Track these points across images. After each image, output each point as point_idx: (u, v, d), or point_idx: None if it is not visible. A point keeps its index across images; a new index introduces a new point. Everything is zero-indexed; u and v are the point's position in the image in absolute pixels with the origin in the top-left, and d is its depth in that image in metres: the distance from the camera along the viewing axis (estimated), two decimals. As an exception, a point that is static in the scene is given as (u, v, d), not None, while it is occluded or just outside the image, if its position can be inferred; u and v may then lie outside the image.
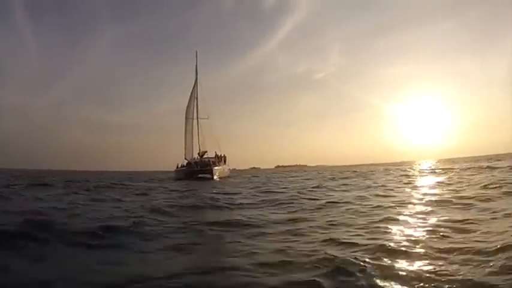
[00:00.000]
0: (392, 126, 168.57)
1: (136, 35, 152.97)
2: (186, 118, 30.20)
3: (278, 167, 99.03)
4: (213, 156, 30.46)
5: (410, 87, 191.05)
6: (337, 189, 13.20)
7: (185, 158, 29.25)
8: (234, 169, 41.15)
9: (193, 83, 32.03)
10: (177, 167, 29.73)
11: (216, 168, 27.91)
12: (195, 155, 30.41)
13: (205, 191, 14.56)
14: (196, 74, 31.67)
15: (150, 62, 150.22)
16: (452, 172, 19.86)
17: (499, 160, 31.56)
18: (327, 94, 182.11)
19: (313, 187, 14.29)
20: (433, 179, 15.90)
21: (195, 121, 30.38)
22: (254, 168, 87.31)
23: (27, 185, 14.97)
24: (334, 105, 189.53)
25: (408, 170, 28.46)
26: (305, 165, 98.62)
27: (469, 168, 22.81)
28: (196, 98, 30.96)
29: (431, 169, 27.13)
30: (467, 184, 11.71)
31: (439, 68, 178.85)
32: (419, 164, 49.79)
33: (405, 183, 14.07)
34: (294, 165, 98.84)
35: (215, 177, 27.00)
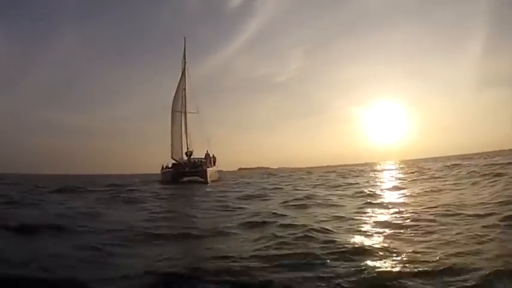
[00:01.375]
0: (355, 128, 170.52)
1: (99, 34, 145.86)
2: (173, 111, 25.84)
3: (241, 169, 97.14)
4: (204, 156, 26.32)
5: (373, 89, 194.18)
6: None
7: (172, 158, 24.83)
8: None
9: (180, 73, 27.85)
10: (163, 168, 25.25)
11: (209, 169, 23.84)
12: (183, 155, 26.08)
13: (203, 200, 10.68)
14: (185, 61, 27.49)
15: (113, 62, 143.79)
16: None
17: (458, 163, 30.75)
18: (289, 96, 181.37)
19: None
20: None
21: (183, 116, 26.10)
22: (218, 171, 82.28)
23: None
24: (297, 108, 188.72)
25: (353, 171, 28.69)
26: (268, 168, 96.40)
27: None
28: (184, 89, 26.71)
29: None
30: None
31: (402, 69, 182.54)
32: (379, 165, 50.82)
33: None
34: (256, 168, 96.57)
35: (209, 181, 22.96)
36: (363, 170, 31.58)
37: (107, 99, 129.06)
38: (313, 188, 14.25)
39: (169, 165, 24.96)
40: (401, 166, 38.97)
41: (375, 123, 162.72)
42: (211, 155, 26.82)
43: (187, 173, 24.01)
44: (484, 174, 13.19)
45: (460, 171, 16.83)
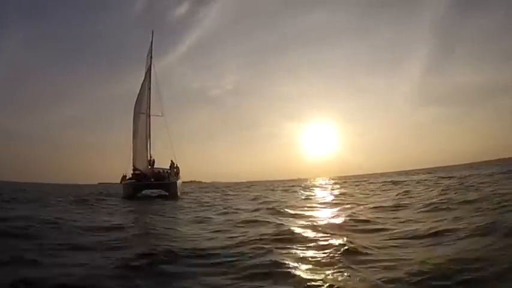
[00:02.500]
0: (289, 144, 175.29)
1: (43, 37, 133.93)
2: (136, 114, 22.12)
3: None
4: (168, 166, 22.86)
5: (309, 105, 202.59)
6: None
7: (134, 167, 21.00)
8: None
9: (145, 71, 24.37)
10: (123, 179, 21.24)
11: (178, 182, 20.56)
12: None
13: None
14: (151, 57, 24.10)
15: (56, 66, 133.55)
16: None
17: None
18: (223, 110, 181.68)
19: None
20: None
21: (148, 119, 22.53)
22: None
23: None
24: (231, 122, 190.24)
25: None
26: (201, 182, 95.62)
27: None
28: (149, 89, 23.25)
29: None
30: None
31: (341, 86, 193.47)
32: (309, 181, 51.59)
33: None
34: (190, 181, 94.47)
35: (179, 194, 19.69)
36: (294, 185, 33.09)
37: (46, 103, 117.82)
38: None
39: (131, 176, 21.04)
40: (329, 183, 39.08)
41: (310, 140, 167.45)
42: (175, 165, 23.47)
43: (153, 185, 20.46)
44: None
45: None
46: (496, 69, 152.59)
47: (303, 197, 15.86)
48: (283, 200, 14.47)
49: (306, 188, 26.28)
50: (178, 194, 19.72)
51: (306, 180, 66.04)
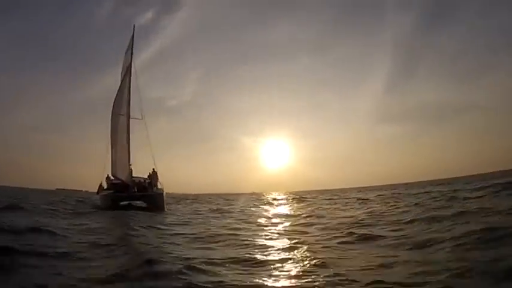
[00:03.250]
0: (246, 158, 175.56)
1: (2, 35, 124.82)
2: (114, 115, 19.54)
3: None
4: (147, 175, 20.36)
5: (268, 120, 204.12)
6: None
7: (112, 176, 18.34)
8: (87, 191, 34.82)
9: (124, 67, 21.95)
10: (100, 189, 18.44)
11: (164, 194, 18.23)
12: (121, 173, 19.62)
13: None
14: (132, 54, 21.67)
15: (16, 67, 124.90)
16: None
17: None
18: (180, 121, 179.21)
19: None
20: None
21: (127, 121, 19.98)
22: None
23: None
24: (187, 133, 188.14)
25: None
26: None
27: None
28: (129, 88, 20.76)
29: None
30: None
31: (300, 102, 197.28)
32: (263, 196, 51.87)
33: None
34: None
35: (166, 207, 17.40)
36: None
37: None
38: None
39: (110, 184, 18.32)
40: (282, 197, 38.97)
41: (267, 154, 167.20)
42: (155, 173, 20.99)
43: (135, 196, 17.95)
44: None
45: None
46: (455, 89, 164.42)
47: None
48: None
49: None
50: (165, 207, 17.44)
51: (261, 194, 65.99)
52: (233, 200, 32.51)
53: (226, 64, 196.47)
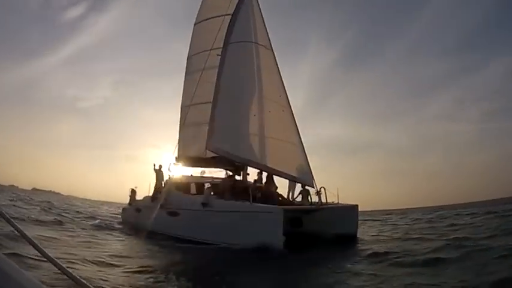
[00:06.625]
0: (151, 170, 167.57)
1: None
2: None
3: (35, 189, 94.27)
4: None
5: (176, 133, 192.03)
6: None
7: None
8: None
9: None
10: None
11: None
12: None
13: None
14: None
15: None
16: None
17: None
18: (89, 124, 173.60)
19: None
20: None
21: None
22: (13, 186, 77.72)
23: None
24: (94, 137, 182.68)
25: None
26: (59, 193, 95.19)
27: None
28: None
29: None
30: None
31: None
32: None
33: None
34: (49, 191, 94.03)
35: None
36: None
37: None
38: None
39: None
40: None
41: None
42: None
43: None
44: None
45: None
46: (367, 127, 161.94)
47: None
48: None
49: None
50: None
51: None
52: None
53: (142, 74, 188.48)
